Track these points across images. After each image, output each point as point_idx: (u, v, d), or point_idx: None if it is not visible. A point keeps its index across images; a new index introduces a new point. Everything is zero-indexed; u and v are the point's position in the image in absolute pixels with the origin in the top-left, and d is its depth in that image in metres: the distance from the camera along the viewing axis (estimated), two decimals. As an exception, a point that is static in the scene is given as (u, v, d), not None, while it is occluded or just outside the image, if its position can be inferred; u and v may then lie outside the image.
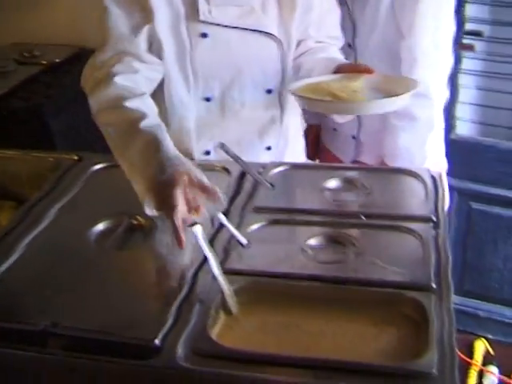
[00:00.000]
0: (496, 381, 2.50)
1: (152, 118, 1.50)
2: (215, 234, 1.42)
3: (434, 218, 1.44)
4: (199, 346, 1.13)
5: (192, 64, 1.68)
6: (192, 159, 1.64)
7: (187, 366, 1.09)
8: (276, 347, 1.18)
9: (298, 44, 1.79)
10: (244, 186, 1.61)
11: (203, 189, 1.31)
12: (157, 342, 1.13)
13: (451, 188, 2.02)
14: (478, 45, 2.64)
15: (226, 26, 1.65)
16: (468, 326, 2.79)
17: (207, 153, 1.79)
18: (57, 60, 2.96)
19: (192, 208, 1.29)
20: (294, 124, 1.89)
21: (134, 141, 1.43)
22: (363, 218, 1.44)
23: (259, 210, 1.50)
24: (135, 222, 1.49)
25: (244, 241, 1.38)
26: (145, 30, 1.62)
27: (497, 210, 2.61)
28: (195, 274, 1.30)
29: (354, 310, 1.25)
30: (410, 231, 1.41)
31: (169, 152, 1.38)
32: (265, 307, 1.26)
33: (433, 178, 1.60)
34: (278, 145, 1.83)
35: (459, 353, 2.50)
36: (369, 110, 1.61)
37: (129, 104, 1.52)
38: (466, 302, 2.79)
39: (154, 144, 1.40)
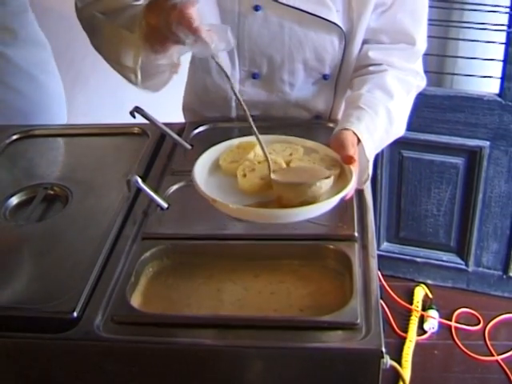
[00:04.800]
0: (436, 324, 2.56)
1: None
2: (134, 199, 1.38)
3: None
4: (117, 314, 1.10)
5: (238, 36, 1.51)
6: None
7: (103, 335, 1.06)
8: (199, 309, 1.16)
9: (362, 46, 1.57)
10: (163, 148, 1.58)
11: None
12: (75, 314, 1.10)
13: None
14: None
15: (281, 4, 1.46)
16: (407, 273, 2.83)
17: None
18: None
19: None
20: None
21: (123, 12, 1.30)
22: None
23: (178, 171, 1.46)
24: (51, 193, 1.44)
25: (164, 205, 1.34)
26: None
27: (428, 156, 2.62)
28: (113, 242, 1.27)
29: (277, 266, 1.24)
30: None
31: None
32: (188, 270, 1.24)
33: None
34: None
35: (399, 300, 2.58)
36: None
37: None
38: (403, 250, 2.82)
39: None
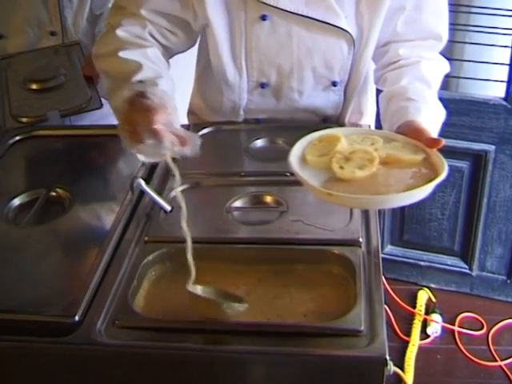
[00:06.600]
0: (439, 328, 2.55)
1: (148, 70, 1.41)
2: (137, 201, 1.37)
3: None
4: (119, 318, 1.09)
5: (246, 47, 1.52)
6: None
7: (105, 340, 1.05)
8: (202, 314, 1.15)
9: (388, 48, 1.56)
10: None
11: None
12: (76, 318, 1.09)
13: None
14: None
15: (289, 12, 1.45)
16: (410, 277, 2.82)
17: (257, 120, 1.67)
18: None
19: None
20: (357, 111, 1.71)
21: (121, 91, 1.34)
22: (288, 174, 1.40)
23: (182, 173, 1.44)
24: (54, 195, 1.43)
25: (167, 207, 1.33)
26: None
27: (433, 159, 2.61)
28: (116, 245, 1.26)
29: (281, 271, 1.23)
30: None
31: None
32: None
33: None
34: None
35: (402, 303, 2.56)
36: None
37: (123, 54, 1.45)
38: (407, 253, 2.81)
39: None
